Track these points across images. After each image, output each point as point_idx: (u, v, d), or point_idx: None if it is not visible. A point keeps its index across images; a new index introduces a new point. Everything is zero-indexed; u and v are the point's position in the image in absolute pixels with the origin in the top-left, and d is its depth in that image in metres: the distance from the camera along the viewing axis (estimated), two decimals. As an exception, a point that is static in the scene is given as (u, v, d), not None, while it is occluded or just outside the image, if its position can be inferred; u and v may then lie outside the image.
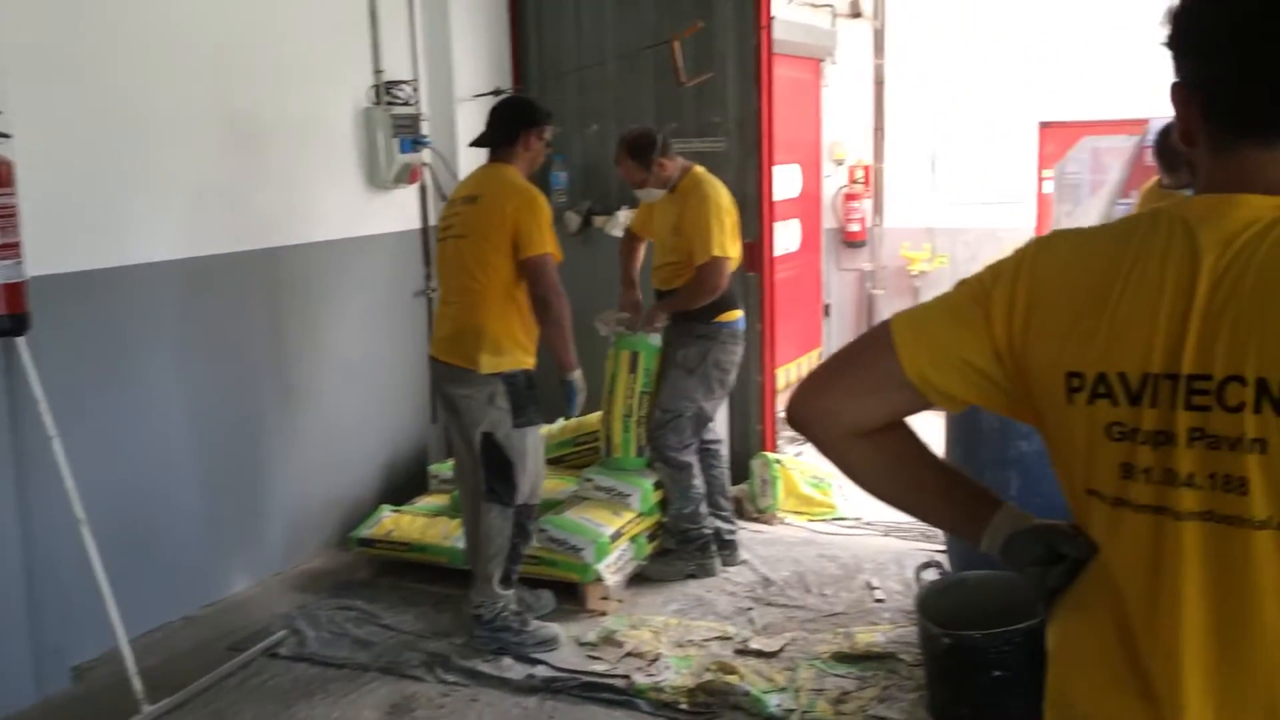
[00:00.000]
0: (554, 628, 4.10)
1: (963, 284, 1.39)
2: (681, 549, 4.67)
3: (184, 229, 4.32)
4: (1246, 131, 1.22)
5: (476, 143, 4.16)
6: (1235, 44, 1.21)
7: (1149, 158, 6.55)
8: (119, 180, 4.07)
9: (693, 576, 4.63)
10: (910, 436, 1.50)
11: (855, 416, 1.44)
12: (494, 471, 3.96)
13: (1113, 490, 1.25)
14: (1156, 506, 1.22)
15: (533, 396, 3.98)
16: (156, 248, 4.21)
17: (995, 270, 1.36)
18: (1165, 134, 4.38)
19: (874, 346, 1.42)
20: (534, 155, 4.08)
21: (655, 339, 4.68)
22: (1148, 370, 1.21)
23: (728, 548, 4.76)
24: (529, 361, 3.99)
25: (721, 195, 4.55)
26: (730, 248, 4.52)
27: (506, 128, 4.03)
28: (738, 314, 4.67)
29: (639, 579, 4.60)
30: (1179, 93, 1.27)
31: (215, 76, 4.42)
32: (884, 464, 1.49)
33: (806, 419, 1.48)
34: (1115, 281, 1.24)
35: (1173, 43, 1.26)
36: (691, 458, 4.64)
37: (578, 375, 4.08)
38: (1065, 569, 1.35)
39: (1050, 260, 1.32)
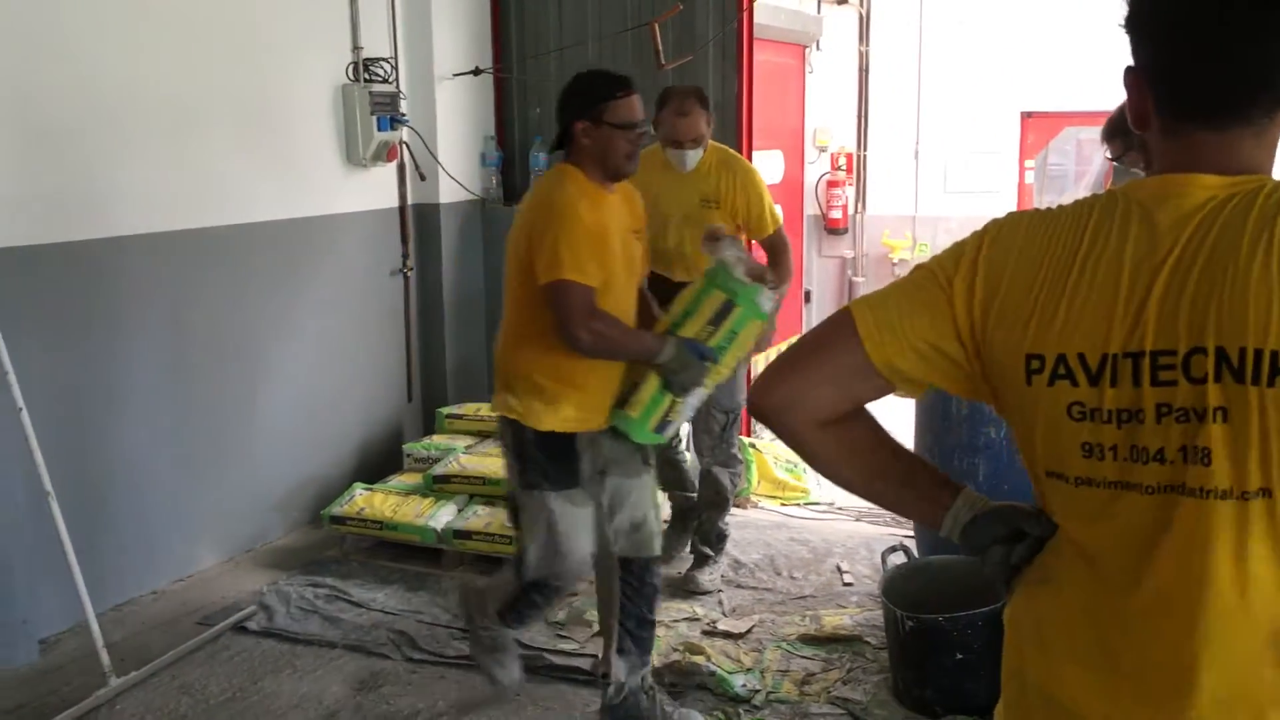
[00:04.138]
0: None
1: (922, 267, 1.39)
2: (717, 552, 4.49)
3: (158, 203, 4.30)
4: (1197, 115, 1.24)
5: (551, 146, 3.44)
6: (1187, 28, 1.22)
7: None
8: (92, 153, 4.05)
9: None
10: (872, 424, 1.50)
11: (818, 405, 1.44)
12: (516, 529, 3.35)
13: (1075, 470, 1.27)
14: (1122, 483, 1.24)
15: (541, 459, 3.15)
16: (131, 221, 4.19)
17: (956, 252, 1.36)
18: (1122, 111, 4.37)
19: (836, 335, 1.41)
20: (597, 147, 3.11)
21: (767, 304, 3.29)
22: (1106, 350, 1.22)
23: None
24: (547, 420, 3.12)
25: None
26: None
27: (559, 122, 3.20)
28: None
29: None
30: (1131, 76, 1.29)
31: (190, 50, 4.39)
32: (846, 452, 1.49)
33: (769, 409, 1.47)
34: (1073, 263, 1.25)
35: (1129, 25, 1.27)
36: None
37: (670, 350, 3.14)
38: (1029, 545, 1.38)
39: (1008, 243, 1.32)
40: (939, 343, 1.35)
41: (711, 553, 4.45)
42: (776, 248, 4.36)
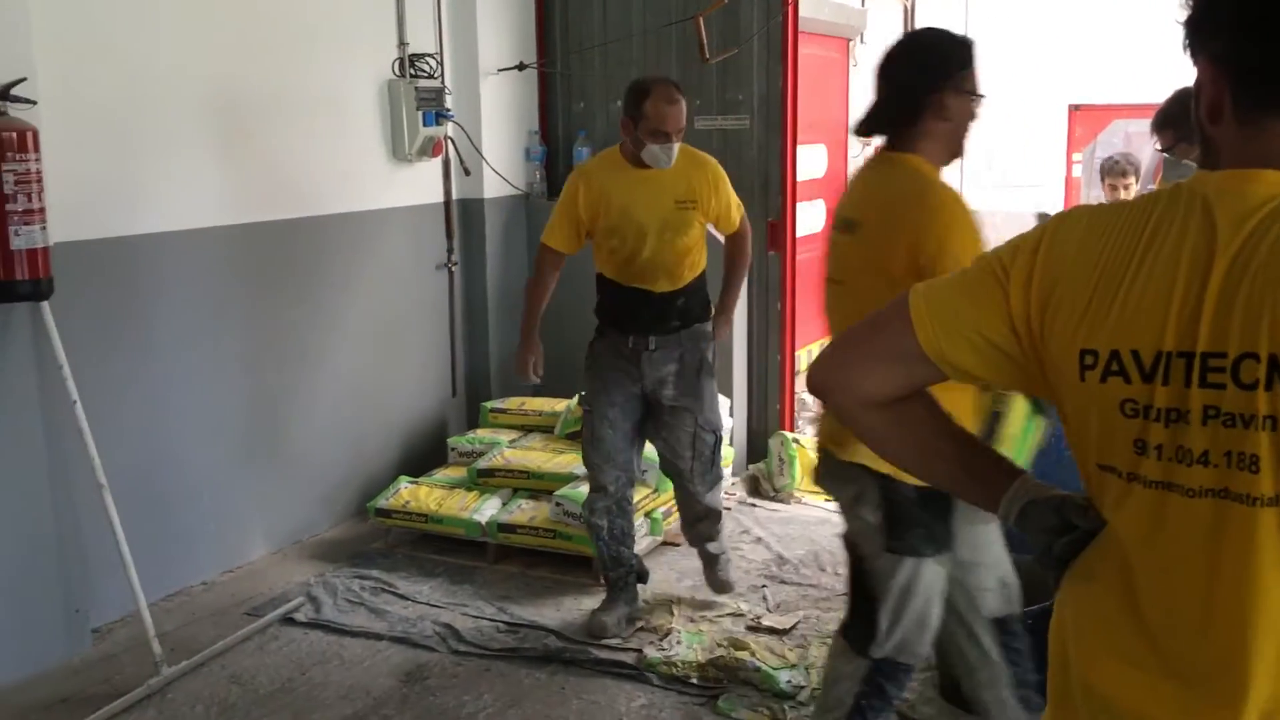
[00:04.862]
0: None
1: (982, 259, 1.39)
2: (723, 544, 4.27)
3: (206, 199, 4.35)
4: (1276, 104, 1.21)
5: (864, 127, 2.72)
6: (1268, 14, 1.20)
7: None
8: (142, 149, 4.10)
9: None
10: (929, 406, 1.51)
11: (872, 387, 1.46)
12: (855, 598, 2.84)
13: (1126, 466, 1.26)
14: (1167, 483, 1.22)
15: (925, 519, 2.62)
16: (178, 216, 4.24)
17: (1015, 245, 1.36)
18: (1174, 102, 4.28)
19: (892, 319, 1.42)
20: (953, 124, 2.61)
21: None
22: (1160, 348, 1.21)
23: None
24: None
25: None
26: None
27: (899, 94, 2.62)
28: None
29: (653, 554, 4.61)
30: (1206, 67, 1.26)
31: (238, 47, 4.43)
32: (901, 433, 1.51)
33: (826, 387, 1.50)
34: (1131, 258, 1.24)
35: (1199, 20, 1.25)
36: None
37: None
38: (1072, 539, 1.36)
39: (1069, 236, 1.31)
40: (991, 334, 1.35)
41: (720, 550, 4.25)
42: (744, 238, 4.07)
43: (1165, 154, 4.26)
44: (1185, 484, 1.21)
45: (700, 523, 4.18)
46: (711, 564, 4.26)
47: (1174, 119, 4.23)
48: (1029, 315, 1.31)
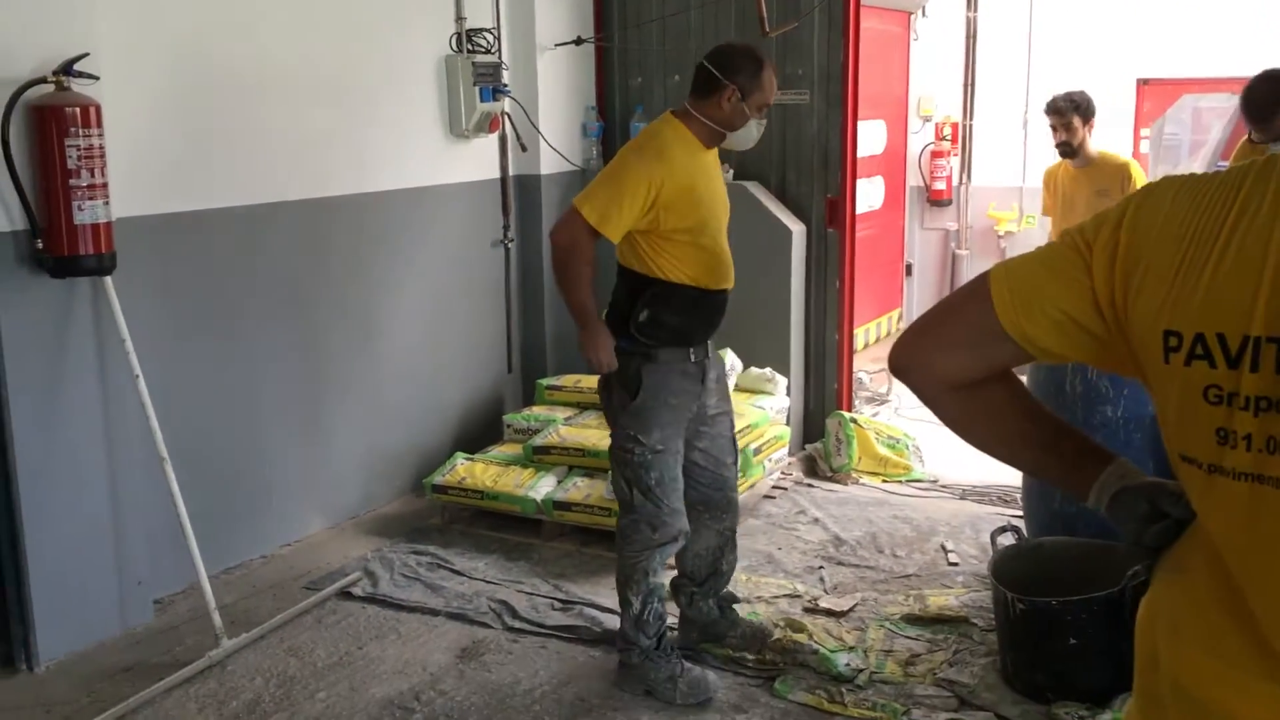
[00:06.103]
0: None
1: (1065, 234, 1.33)
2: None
3: (267, 175, 4.36)
4: None
5: None
6: None
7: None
8: (202, 125, 4.12)
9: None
10: (1014, 388, 1.46)
11: (954, 369, 1.42)
12: None
13: (1207, 456, 1.19)
14: (1256, 475, 1.15)
15: None
16: (239, 192, 4.26)
17: (1099, 219, 1.29)
18: (1255, 86, 4.19)
19: (972, 298, 1.38)
20: None
21: None
22: (1247, 332, 1.13)
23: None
24: None
25: None
26: None
27: None
28: None
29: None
30: None
31: (297, 23, 4.44)
32: (985, 416, 1.47)
33: (906, 369, 1.47)
34: (1219, 234, 1.17)
35: None
36: None
37: None
38: (1163, 528, 1.32)
39: (1155, 209, 1.24)
40: (1074, 312, 1.29)
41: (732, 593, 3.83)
42: None
43: (1273, 144, 4.11)
44: (1276, 475, 1.13)
45: (725, 523, 3.69)
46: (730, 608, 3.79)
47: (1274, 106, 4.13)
48: (1112, 291, 1.25)
